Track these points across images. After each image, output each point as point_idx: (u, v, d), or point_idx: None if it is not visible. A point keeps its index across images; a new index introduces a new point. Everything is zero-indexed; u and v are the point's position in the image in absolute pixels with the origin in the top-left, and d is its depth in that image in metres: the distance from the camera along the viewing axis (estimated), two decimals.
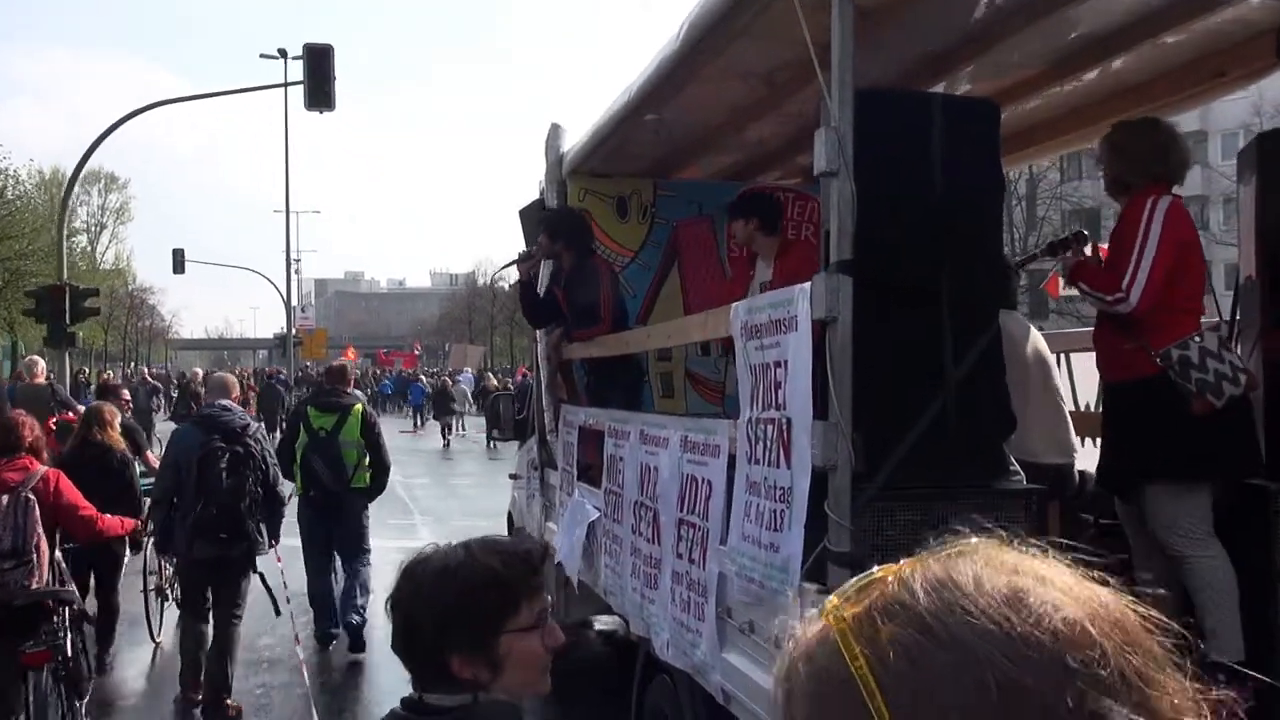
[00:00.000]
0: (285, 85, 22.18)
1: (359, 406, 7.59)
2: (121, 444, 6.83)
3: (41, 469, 4.94)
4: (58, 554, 5.09)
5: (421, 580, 1.60)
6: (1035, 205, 35.34)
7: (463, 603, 1.56)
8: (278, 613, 6.21)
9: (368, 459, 7.51)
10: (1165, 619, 0.67)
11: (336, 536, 7.63)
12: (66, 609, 4.96)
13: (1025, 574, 0.67)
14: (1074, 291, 3.66)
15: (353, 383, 8.51)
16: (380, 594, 1.82)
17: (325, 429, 7.41)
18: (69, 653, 4.94)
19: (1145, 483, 3.38)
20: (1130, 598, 0.68)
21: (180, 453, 6.07)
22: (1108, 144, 3.59)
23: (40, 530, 4.72)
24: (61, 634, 4.88)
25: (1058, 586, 0.66)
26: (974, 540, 0.71)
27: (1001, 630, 0.63)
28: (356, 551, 7.63)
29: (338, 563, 7.89)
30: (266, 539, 6.25)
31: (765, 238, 4.91)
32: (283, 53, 28.30)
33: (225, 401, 6.35)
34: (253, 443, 6.07)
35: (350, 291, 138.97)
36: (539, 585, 1.64)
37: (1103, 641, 0.63)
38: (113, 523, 5.41)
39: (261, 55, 30.21)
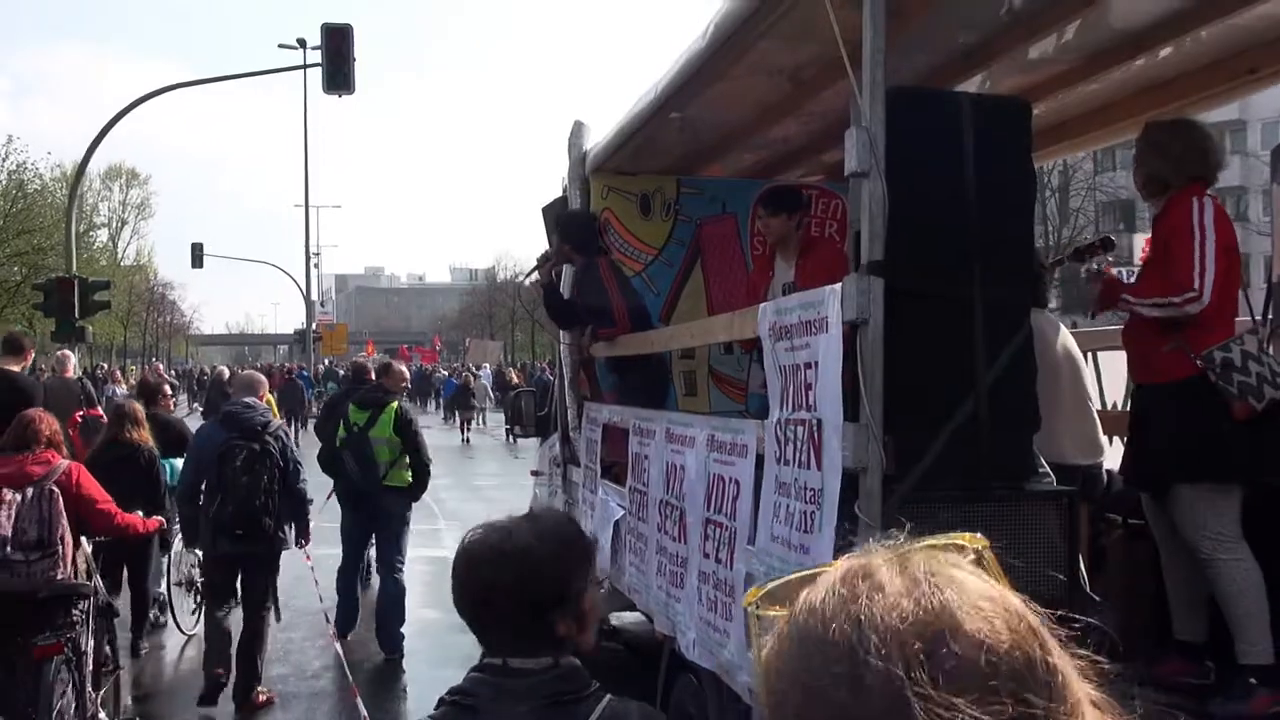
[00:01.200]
0: (304, 67, 21.30)
1: (394, 404, 7.47)
2: (150, 441, 6.88)
3: (64, 463, 4.99)
4: (87, 547, 5.13)
5: (515, 547, 1.67)
6: (1069, 198, 34.49)
7: (563, 561, 1.69)
8: (278, 618, 6.39)
9: (406, 458, 7.42)
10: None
11: (376, 539, 7.68)
12: (86, 602, 5.00)
13: (925, 575, 0.71)
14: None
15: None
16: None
17: (359, 425, 7.39)
18: (83, 645, 4.97)
19: (1177, 484, 3.35)
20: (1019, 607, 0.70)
21: (201, 451, 6.23)
22: (1146, 143, 3.55)
23: (65, 522, 4.78)
24: (79, 626, 4.92)
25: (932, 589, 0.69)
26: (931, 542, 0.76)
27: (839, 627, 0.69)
28: (390, 560, 7.52)
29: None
30: (292, 537, 6.27)
31: (796, 234, 4.92)
32: (301, 42, 28.14)
33: (249, 399, 6.38)
34: (271, 440, 6.07)
35: (370, 287, 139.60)
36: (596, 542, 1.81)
37: (933, 647, 0.66)
38: (133, 519, 5.45)
39: (280, 45, 29.98)
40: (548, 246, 6.43)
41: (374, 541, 7.84)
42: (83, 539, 5.09)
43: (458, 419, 29.41)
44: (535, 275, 6.10)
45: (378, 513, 7.44)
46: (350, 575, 7.68)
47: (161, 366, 28.89)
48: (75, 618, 4.91)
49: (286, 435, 6.31)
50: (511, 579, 1.66)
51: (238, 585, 6.29)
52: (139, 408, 7.16)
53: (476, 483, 17.02)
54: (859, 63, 2.79)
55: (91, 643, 5.08)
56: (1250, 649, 3.20)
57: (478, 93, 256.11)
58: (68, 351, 12.38)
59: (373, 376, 11.66)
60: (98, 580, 5.25)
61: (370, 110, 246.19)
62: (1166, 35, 3.87)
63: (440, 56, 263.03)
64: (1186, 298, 3.27)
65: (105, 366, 38.38)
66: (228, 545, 6.08)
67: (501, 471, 18.28)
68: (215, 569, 6.34)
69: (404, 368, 8.33)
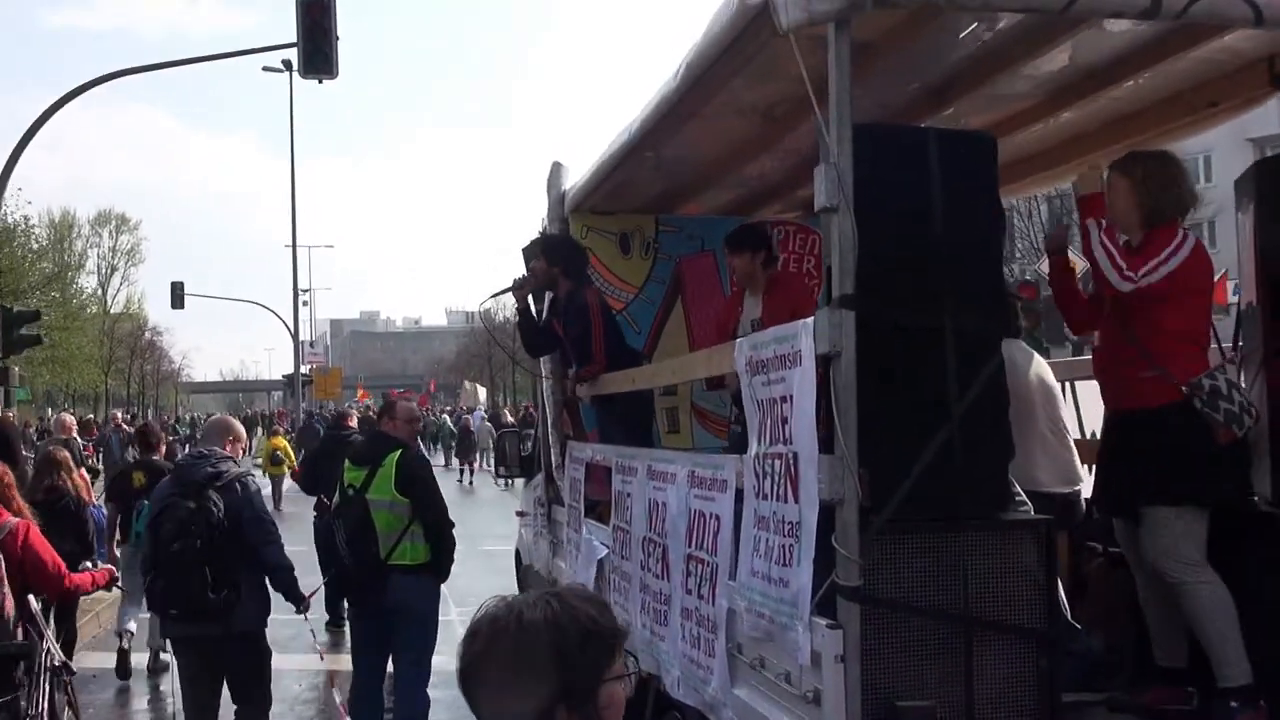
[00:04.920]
0: (282, 47, 15.96)
1: (395, 454, 5.45)
2: (78, 488, 6.79)
3: (10, 521, 4.70)
4: (35, 605, 4.83)
5: (520, 634, 1.52)
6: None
7: (572, 653, 1.52)
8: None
9: (418, 525, 5.40)
10: None
11: (391, 646, 5.56)
12: (31, 661, 4.70)
13: None
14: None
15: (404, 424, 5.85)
16: None
17: (355, 486, 5.48)
18: (25, 709, 4.66)
19: (1154, 507, 3.37)
20: None
21: (150, 511, 5.17)
22: (1139, 174, 3.50)
23: (5, 589, 4.49)
24: (20, 690, 4.63)
25: None
26: None
27: None
28: (406, 675, 5.51)
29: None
30: (255, 611, 4.97)
31: (763, 271, 5.00)
32: (287, 65, 28.16)
33: (206, 447, 5.20)
34: (214, 495, 4.82)
35: (366, 331, 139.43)
36: (626, 632, 1.64)
37: None
38: (81, 579, 5.09)
39: (264, 68, 30.00)
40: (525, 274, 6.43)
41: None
42: (30, 597, 4.80)
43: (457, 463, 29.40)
44: (505, 295, 5.95)
45: (388, 607, 5.38)
46: (369, 704, 5.65)
47: (119, 415, 27.57)
48: (17, 680, 4.67)
49: (246, 486, 5.01)
50: (496, 663, 1.51)
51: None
52: (67, 455, 7.04)
53: (486, 548, 13.32)
54: (826, 100, 2.84)
55: (45, 705, 4.80)
56: (1227, 671, 3.21)
57: (473, 136, 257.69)
58: (65, 415, 12.34)
59: (352, 423, 10.43)
60: (50, 640, 4.93)
61: (366, 154, 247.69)
62: (1128, 71, 3.95)
63: (435, 99, 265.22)
64: (1125, 276, 3.30)
65: (92, 417, 37.90)
66: (170, 628, 5.04)
67: (513, 533, 12.74)
68: (177, 662, 5.13)
69: (414, 405, 6.47)
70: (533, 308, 6.03)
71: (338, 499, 5.69)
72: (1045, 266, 4.87)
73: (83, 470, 10.58)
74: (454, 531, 5.57)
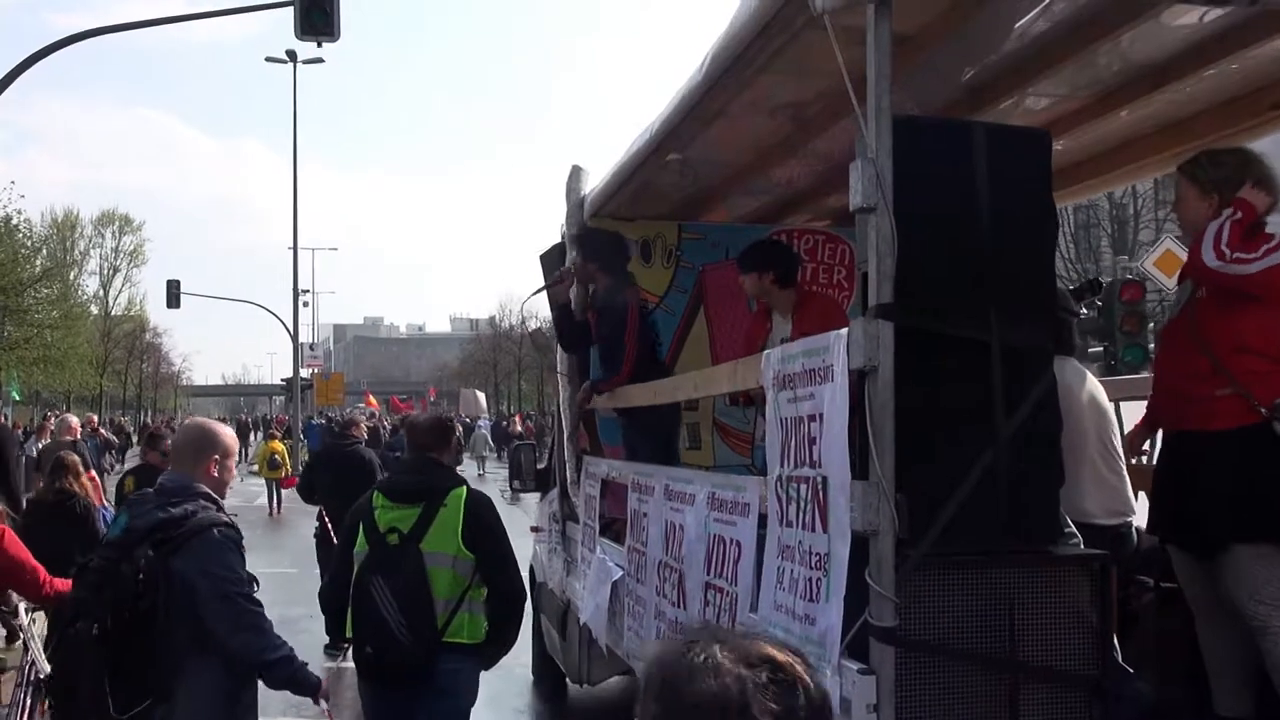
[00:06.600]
0: (279, 6, 12.51)
1: (461, 491, 4.08)
2: (86, 492, 6.64)
3: None
4: (24, 618, 4.74)
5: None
6: (1140, 228, 31.21)
7: None
8: None
9: (478, 589, 4.04)
10: None
11: None
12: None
13: None
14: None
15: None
16: None
17: (401, 531, 3.99)
18: None
19: (1231, 544, 3.06)
20: None
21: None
22: (1218, 177, 3.21)
23: None
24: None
25: None
26: None
27: None
28: None
29: None
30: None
31: (781, 291, 4.76)
32: (291, 55, 27.78)
33: (170, 475, 3.52)
34: (151, 557, 3.21)
35: (369, 337, 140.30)
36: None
37: None
38: (63, 584, 4.73)
39: (267, 59, 29.28)
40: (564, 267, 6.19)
41: None
42: (21, 608, 4.74)
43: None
44: (543, 296, 5.72)
45: (426, 699, 3.94)
46: None
47: (94, 419, 25.80)
48: None
49: (209, 540, 3.31)
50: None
51: None
52: (76, 459, 6.90)
53: None
54: (864, 93, 2.59)
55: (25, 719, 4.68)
56: None
57: (476, 142, 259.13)
58: (70, 416, 12.28)
59: (358, 432, 9.17)
60: (35, 651, 4.83)
61: (371, 161, 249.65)
62: (1186, 69, 3.69)
63: (437, 107, 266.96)
64: (1219, 250, 3.03)
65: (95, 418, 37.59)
66: None
67: (528, 554, 10.54)
68: None
69: (452, 421, 4.84)
70: (573, 303, 5.82)
71: (368, 549, 4.04)
72: (1150, 263, 4.57)
73: (92, 472, 10.52)
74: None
